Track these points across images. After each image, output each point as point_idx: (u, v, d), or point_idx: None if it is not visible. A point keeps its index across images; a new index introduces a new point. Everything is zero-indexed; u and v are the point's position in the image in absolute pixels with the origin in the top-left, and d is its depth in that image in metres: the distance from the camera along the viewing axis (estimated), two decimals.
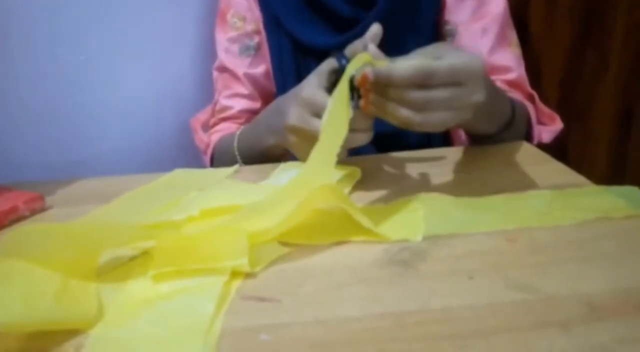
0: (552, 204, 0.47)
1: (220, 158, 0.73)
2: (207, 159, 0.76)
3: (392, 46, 0.65)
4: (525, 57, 0.84)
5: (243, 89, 0.76)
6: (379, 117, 0.47)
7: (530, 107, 0.67)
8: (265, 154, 0.63)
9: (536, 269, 0.36)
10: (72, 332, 0.33)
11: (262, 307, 0.34)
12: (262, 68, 0.75)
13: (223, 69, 0.77)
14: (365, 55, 0.47)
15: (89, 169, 0.78)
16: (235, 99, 0.76)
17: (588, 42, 0.84)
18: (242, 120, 0.76)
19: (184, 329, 0.33)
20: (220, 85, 0.77)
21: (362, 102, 0.47)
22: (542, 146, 0.87)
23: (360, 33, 0.64)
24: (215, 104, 0.78)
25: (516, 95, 0.67)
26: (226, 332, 0.32)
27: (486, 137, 0.60)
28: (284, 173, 0.57)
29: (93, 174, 0.64)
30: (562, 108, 0.86)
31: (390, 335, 0.31)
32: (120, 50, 0.77)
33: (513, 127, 0.61)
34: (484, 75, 0.46)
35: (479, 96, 0.45)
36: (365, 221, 0.42)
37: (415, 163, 0.58)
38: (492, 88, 0.50)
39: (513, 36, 0.71)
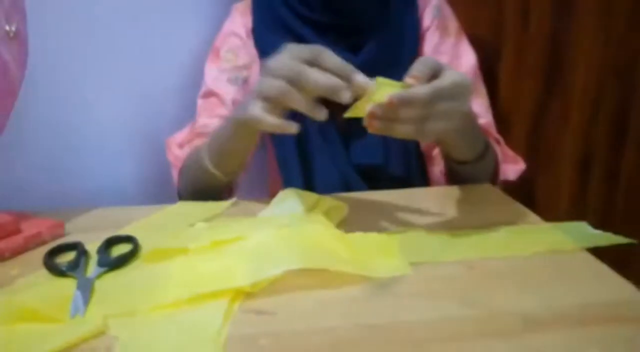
0: (508, 239, 0.55)
1: (188, 168, 0.74)
2: (175, 172, 0.78)
3: None
4: (496, 108, 0.94)
5: (226, 112, 0.78)
6: (381, 133, 0.52)
7: (497, 148, 0.76)
8: (234, 149, 0.66)
9: (486, 291, 0.44)
10: (102, 334, 0.40)
11: (260, 319, 0.42)
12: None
13: (209, 94, 0.80)
14: (384, 80, 0.52)
15: (96, 200, 0.85)
16: (216, 119, 0.78)
17: (552, 95, 0.94)
18: None
19: (198, 337, 0.40)
20: (203, 110, 0.80)
21: (365, 121, 0.52)
22: (513, 188, 0.97)
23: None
24: (193, 124, 0.80)
25: None
26: (231, 339, 0.39)
27: (463, 166, 0.67)
28: (280, 204, 0.64)
29: (103, 203, 0.71)
30: (530, 155, 0.95)
31: (365, 341, 0.38)
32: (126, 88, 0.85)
33: (486, 159, 0.68)
34: (471, 90, 0.54)
35: (467, 106, 0.53)
36: (353, 269, 0.48)
37: (396, 201, 0.66)
38: (471, 110, 0.59)
39: (482, 88, 0.80)
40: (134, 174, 0.89)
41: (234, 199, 0.68)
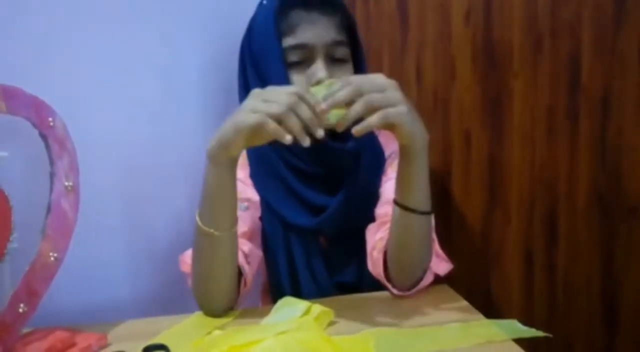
0: (457, 333, 0.72)
1: (193, 253, 0.81)
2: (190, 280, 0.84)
3: (353, 220, 0.94)
4: (449, 217, 1.16)
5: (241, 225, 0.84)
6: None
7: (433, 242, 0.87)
8: (217, 190, 0.75)
9: None
10: None
11: None
12: (246, 226, 0.89)
13: None
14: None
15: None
16: None
17: (494, 204, 1.15)
18: None
19: None
20: None
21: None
22: (471, 282, 1.16)
23: (329, 216, 0.91)
24: None
25: None
26: None
27: (409, 214, 0.77)
28: (280, 311, 0.79)
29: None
30: (481, 254, 1.14)
31: None
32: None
33: (429, 227, 0.80)
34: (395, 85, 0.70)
35: (399, 94, 0.69)
36: None
37: (370, 305, 0.83)
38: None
39: None
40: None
41: (240, 309, 0.84)
